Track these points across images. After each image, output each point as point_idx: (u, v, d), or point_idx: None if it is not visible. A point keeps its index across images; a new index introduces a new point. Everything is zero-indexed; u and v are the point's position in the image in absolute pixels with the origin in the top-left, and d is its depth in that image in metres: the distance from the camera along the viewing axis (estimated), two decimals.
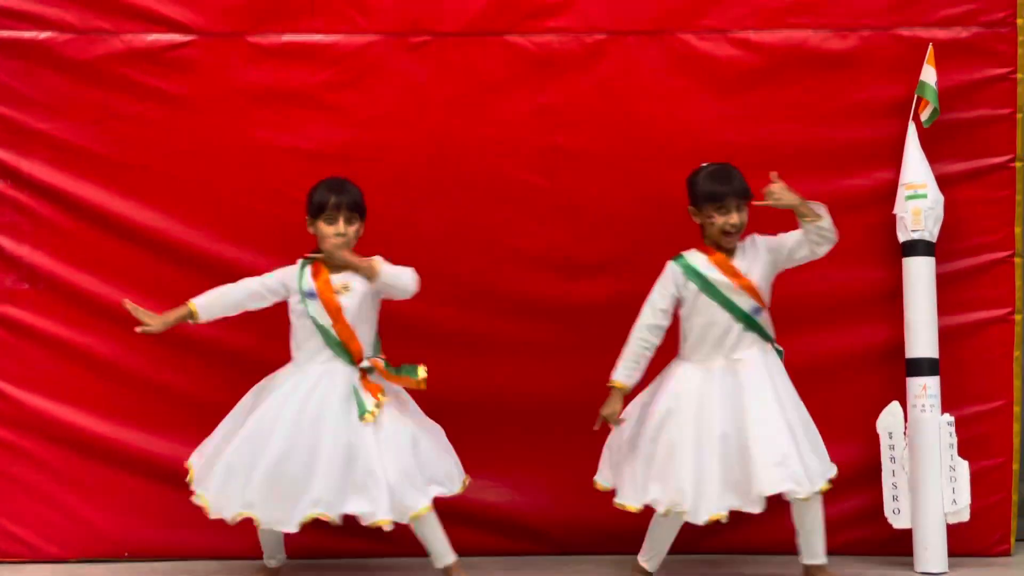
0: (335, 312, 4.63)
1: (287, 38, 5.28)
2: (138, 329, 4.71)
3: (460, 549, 5.05)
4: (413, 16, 5.28)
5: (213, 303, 4.76)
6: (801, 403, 4.69)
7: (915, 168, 5.13)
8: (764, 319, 4.72)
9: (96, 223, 5.27)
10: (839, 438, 5.12)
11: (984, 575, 4.97)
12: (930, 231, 5.10)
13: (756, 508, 4.55)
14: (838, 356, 5.29)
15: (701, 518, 4.55)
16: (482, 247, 5.25)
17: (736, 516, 5.04)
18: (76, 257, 5.28)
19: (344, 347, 4.64)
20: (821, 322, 5.27)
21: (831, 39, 5.27)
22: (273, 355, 5.12)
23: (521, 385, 5.31)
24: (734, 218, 4.65)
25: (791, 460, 4.50)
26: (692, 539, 5.18)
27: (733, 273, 4.67)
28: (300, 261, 4.76)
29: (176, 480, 5.20)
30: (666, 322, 4.75)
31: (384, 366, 4.68)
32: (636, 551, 4.93)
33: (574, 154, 5.26)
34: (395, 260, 5.08)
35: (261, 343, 5.16)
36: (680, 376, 4.71)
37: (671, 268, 4.74)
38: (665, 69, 5.28)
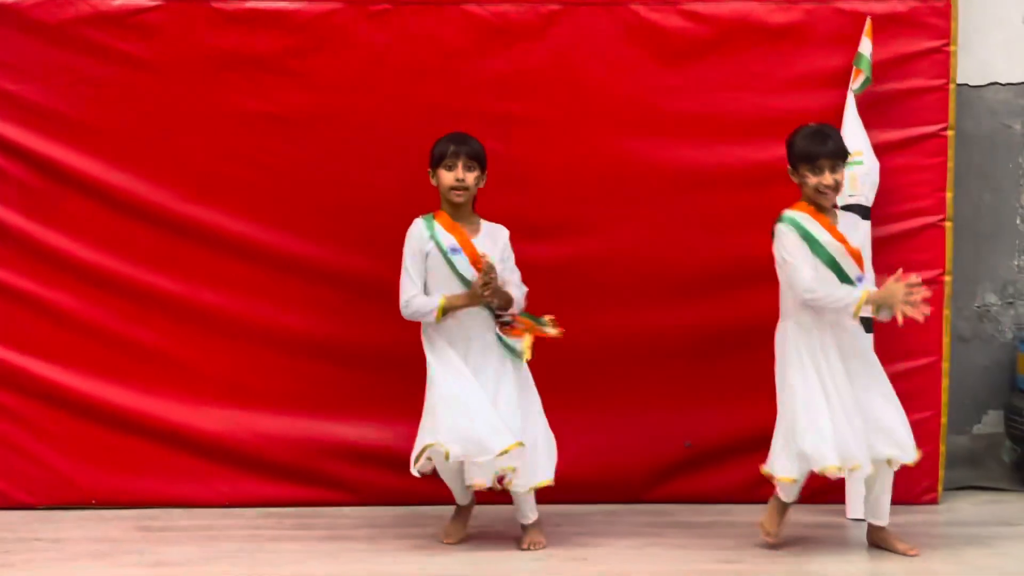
0: (479, 263, 4.73)
1: (251, 4, 5.41)
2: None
3: (419, 498, 5.32)
4: None
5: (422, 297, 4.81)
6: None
7: (853, 135, 5.31)
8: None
9: (65, 183, 5.40)
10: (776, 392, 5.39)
11: (911, 521, 5.22)
12: (866, 196, 5.32)
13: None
14: (777, 313, 5.48)
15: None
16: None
17: (676, 467, 5.35)
18: (45, 215, 5.41)
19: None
20: (762, 281, 5.35)
21: (775, 12, 5.46)
22: (239, 312, 5.33)
23: None
24: (827, 178, 4.67)
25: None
26: (637, 490, 5.45)
27: (841, 238, 4.70)
28: (422, 220, 4.83)
29: (141, 430, 5.45)
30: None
31: (520, 315, 4.83)
32: (584, 500, 5.13)
33: (529, 120, 5.43)
34: (350, 224, 5.35)
35: (227, 300, 5.34)
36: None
37: (782, 227, 4.71)
38: (616, 39, 5.45)
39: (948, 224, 5.52)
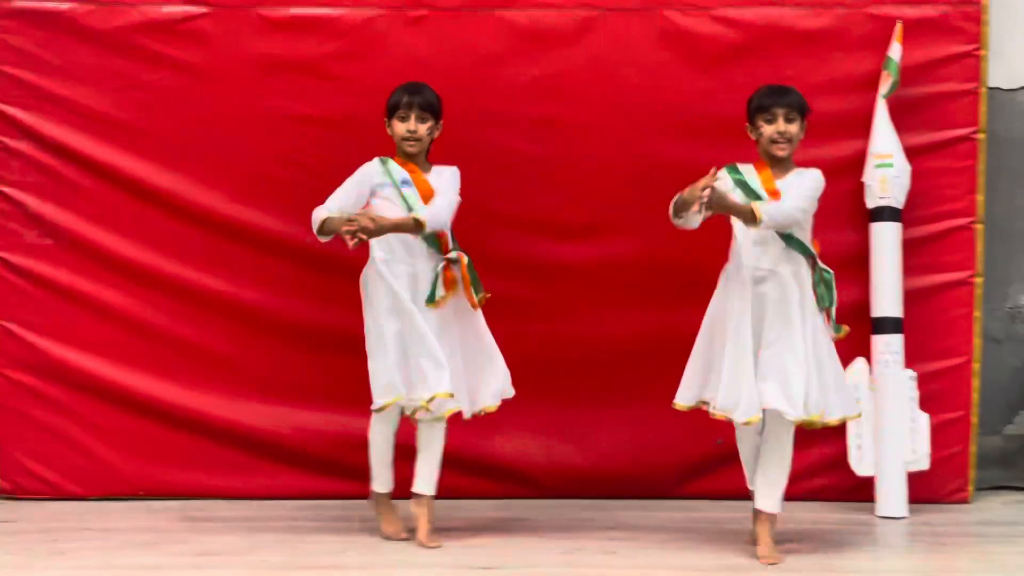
0: (430, 197, 4.78)
1: (295, 11, 5.54)
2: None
3: (453, 492, 5.42)
4: None
5: (322, 209, 4.82)
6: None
7: (883, 139, 5.40)
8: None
9: (115, 184, 5.56)
10: None
11: (941, 520, 5.29)
12: (896, 198, 5.39)
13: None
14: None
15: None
16: (477, 211, 5.46)
17: (707, 463, 5.43)
18: (95, 215, 5.57)
19: (435, 235, 4.80)
20: None
21: (807, 16, 5.53)
22: (282, 310, 5.46)
23: (513, 342, 5.57)
24: (780, 126, 4.63)
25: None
26: (669, 485, 5.55)
27: (772, 190, 4.64)
28: (377, 159, 4.90)
29: (187, 424, 5.59)
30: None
31: (467, 263, 4.86)
32: (613, 495, 5.24)
33: (564, 124, 5.52)
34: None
35: (270, 298, 5.48)
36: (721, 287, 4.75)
37: (723, 173, 4.68)
38: (651, 44, 5.54)
39: (979, 226, 5.56)
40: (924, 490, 5.46)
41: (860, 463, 5.42)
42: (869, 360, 5.42)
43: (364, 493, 5.55)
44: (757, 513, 4.71)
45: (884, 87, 5.41)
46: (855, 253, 5.51)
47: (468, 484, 5.59)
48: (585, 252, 5.52)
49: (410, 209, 4.76)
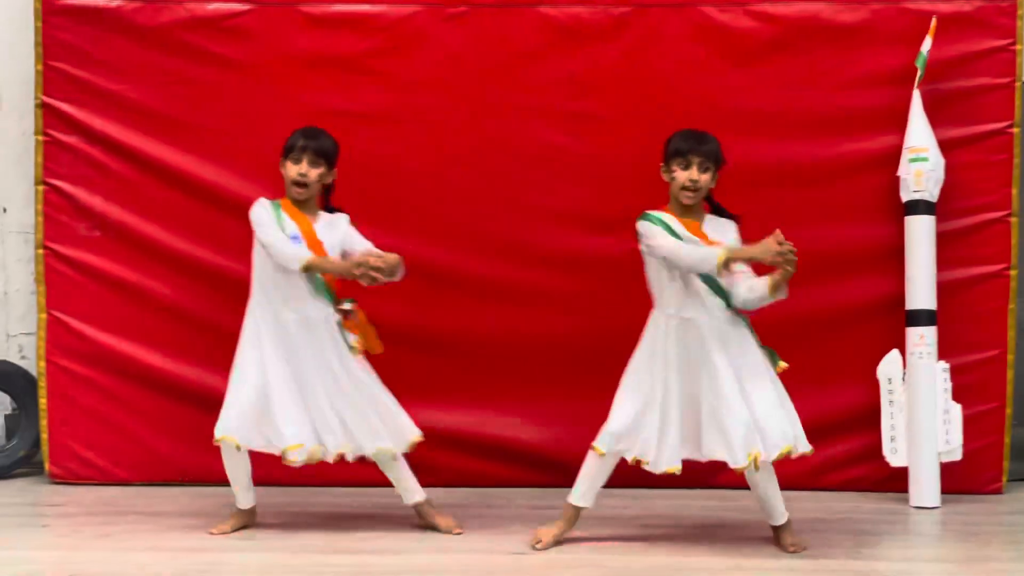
0: (319, 250, 4.73)
1: (336, 8, 5.65)
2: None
3: (491, 480, 5.52)
4: None
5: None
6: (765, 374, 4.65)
7: (918, 133, 5.44)
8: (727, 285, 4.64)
9: (161, 177, 5.68)
10: (843, 383, 5.57)
11: (974, 510, 5.34)
12: (931, 192, 5.43)
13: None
14: (843, 307, 5.63)
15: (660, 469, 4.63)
16: (512, 203, 5.60)
17: None
18: (143, 208, 5.70)
19: (328, 287, 4.79)
20: (828, 275, 5.60)
21: (842, 11, 5.58)
22: None
23: (547, 331, 5.66)
24: (694, 173, 4.56)
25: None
26: (704, 475, 5.60)
27: (702, 235, 4.60)
28: (268, 202, 4.82)
29: None
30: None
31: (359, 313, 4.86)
32: (648, 485, 5.29)
33: (600, 118, 5.59)
34: (432, 217, 5.47)
35: None
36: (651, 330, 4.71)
37: (644, 223, 4.64)
38: (686, 39, 5.60)
39: (1013, 219, 5.59)
40: (958, 481, 5.51)
41: (894, 454, 5.47)
42: (903, 352, 5.46)
43: None
44: (776, 528, 4.76)
45: (916, 80, 5.46)
46: (890, 247, 5.57)
47: (504, 473, 5.68)
48: (620, 245, 5.54)
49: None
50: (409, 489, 4.99)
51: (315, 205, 4.89)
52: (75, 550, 4.68)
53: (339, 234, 4.86)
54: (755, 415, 4.54)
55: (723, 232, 4.65)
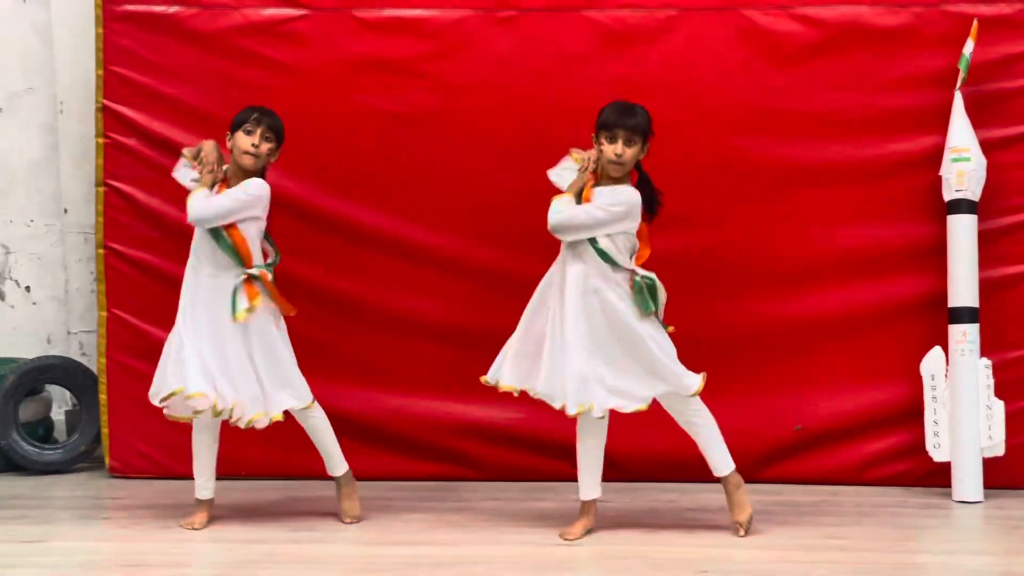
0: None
1: (388, 13, 5.77)
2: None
3: (539, 474, 5.61)
4: None
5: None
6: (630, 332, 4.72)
7: (960, 133, 5.50)
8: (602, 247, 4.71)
9: None
10: (886, 379, 5.64)
11: (1017, 505, 5.40)
12: (973, 191, 5.48)
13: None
14: (887, 304, 5.69)
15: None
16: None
17: (786, 449, 5.56)
18: None
19: (235, 251, 4.89)
20: (872, 273, 5.67)
21: (884, 14, 5.65)
22: (373, 299, 5.66)
23: None
24: (619, 147, 4.67)
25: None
26: (749, 470, 5.68)
27: (587, 198, 4.72)
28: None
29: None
30: None
31: (271, 279, 4.96)
32: (692, 479, 5.37)
33: None
34: (479, 216, 5.62)
35: (362, 288, 5.72)
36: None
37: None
38: (730, 42, 5.69)
39: None
40: (1000, 476, 5.55)
41: (937, 449, 5.53)
42: (945, 349, 5.52)
43: (457, 475, 5.77)
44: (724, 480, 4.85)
45: (958, 82, 5.52)
46: (932, 245, 5.62)
47: (553, 466, 5.77)
48: (667, 243, 5.58)
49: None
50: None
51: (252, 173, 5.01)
52: (136, 541, 4.83)
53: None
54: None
55: (611, 195, 4.74)
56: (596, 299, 4.71)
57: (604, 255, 4.71)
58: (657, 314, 4.78)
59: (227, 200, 4.88)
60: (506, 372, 4.87)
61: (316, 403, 5.08)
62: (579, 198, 4.76)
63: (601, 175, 4.81)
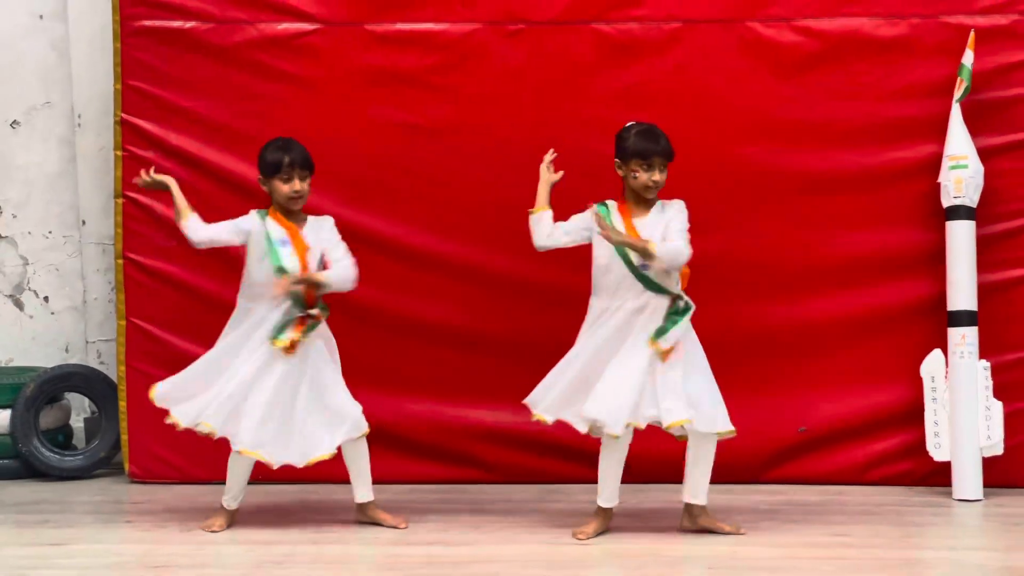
0: (305, 253, 5.03)
1: (400, 26, 5.87)
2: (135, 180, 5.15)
3: (551, 476, 5.73)
4: (510, 6, 5.84)
5: (201, 224, 5.13)
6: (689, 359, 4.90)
7: (958, 141, 5.61)
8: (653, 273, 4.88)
9: (233, 189, 5.90)
10: (887, 381, 5.76)
11: (1016, 503, 5.52)
12: (971, 197, 5.59)
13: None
14: (887, 308, 5.80)
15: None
16: (571, 212, 5.77)
17: (791, 450, 5.68)
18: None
19: (301, 295, 5.02)
20: (873, 278, 5.78)
21: (883, 26, 5.76)
22: (388, 304, 5.77)
23: None
24: (656, 175, 4.88)
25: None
26: (755, 470, 5.81)
27: (633, 231, 4.88)
28: (256, 213, 5.13)
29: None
30: (562, 235, 5.07)
31: (323, 318, 5.11)
32: (737, 481, 5.47)
33: None
34: (491, 224, 5.69)
35: (377, 294, 5.79)
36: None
37: (593, 209, 4.98)
38: (734, 53, 5.79)
39: None
40: (999, 475, 5.67)
41: (938, 449, 5.64)
42: (945, 351, 5.64)
43: (471, 477, 5.86)
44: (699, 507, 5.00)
45: (958, 92, 5.62)
46: (932, 250, 5.74)
47: (565, 469, 5.87)
48: None
49: (282, 267, 5.00)
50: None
51: (300, 211, 5.16)
52: (159, 544, 4.94)
53: (323, 236, 5.13)
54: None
55: (659, 220, 4.92)
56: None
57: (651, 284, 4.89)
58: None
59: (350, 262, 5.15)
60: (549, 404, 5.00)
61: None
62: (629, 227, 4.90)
63: (631, 201, 4.95)
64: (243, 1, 5.89)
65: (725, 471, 5.74)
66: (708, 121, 5.75)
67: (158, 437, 5.94)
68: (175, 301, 5.97)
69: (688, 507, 5.01)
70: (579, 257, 5.70)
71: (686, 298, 4.92)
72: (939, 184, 5.67)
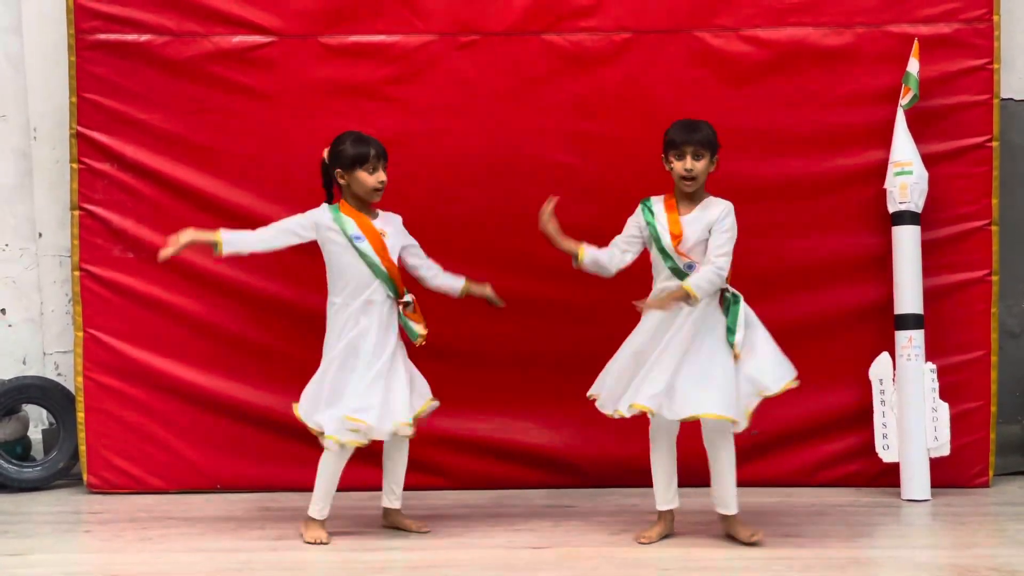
0: (382, 251, 5.07)
1: (354, 39, 5.93)
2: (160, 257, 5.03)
3: (507, 482, 5.78)
4: (463, 18, 5.90)
5: (239, 239, 5.07)
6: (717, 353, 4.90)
7: (903, 148, 5.72)
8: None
9: (190, 200, 5.95)
10: (836, 384, 5.86)
11: (962, 502, 5.63)
12: (916, 203, 5.71)
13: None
14: (836, 312, 5.90)
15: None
16: (522, 220, 5.70)
17: (743, 453, 5.75)
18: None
19: (391, 280, 5.09)
20: (821, 282, 5.89)
21: (829, 35, 5.86)
22: None
23: (556, 339, 5.92)
24: (689, 163, 4.87)
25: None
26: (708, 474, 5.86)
27: (676, 234, 4.92)
28: (328, 208, 5.10)
29: (261, 422, 5.94)
30: (626, 256, 5.07)
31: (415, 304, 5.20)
32: (690, 484, 5.48)
33: (603, 138, 5.86)
34: (446, 232, 5.74)
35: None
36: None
37: (638, 208, 5.04)
38: (683, 63, 5.88)
39: (994, 228, 5.85)
40: (947, 475, 5.78)
41: (886, 450, 5.74)
42: (892, 354, 5.74)
43: (427, 483, 5.91)
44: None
45: (904, 99, 5.72)
46: (878, 255, 5.85)
47: (521, 475, 5.95)
48: None
49: (366, 260, 5.04)
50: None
51: (371, 204, 5.19)
52: (117, 552, 4.97)
53: (398, 231, 5.18)
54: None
55: (702, 218, 4.94)
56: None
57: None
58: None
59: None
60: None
61: None
62: (654, 230, 4.98)
63: (677, 196, 4.99)
64: (198, 14, 5.93)
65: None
66: (658, 130, 5.64)
67: (115, 448, 6.00)
68: (132, 312, 6.00)
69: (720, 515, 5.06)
70: (536, 265, 5.79)
71: (731, 289, 4.96)
72: (885, 190, 5.77)
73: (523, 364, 5.95)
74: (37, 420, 6.55)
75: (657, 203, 5.03)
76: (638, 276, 5.70)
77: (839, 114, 5.86)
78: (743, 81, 5.88)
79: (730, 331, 4.90)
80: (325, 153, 5.15)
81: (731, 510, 5.01)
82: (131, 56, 5.94)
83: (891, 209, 5.76)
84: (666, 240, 4.93)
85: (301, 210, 5.81)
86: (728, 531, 5.03)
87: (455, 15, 5.92)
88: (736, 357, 4.90)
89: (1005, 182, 5.93)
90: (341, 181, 5.10)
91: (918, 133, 5.76)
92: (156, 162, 5.96)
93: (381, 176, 5.07)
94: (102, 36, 5.95)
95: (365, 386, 5.00)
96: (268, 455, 5.95)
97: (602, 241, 5.72)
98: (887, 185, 5.76)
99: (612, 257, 5.07)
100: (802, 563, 4.65)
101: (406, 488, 5.83)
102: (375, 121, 5.85)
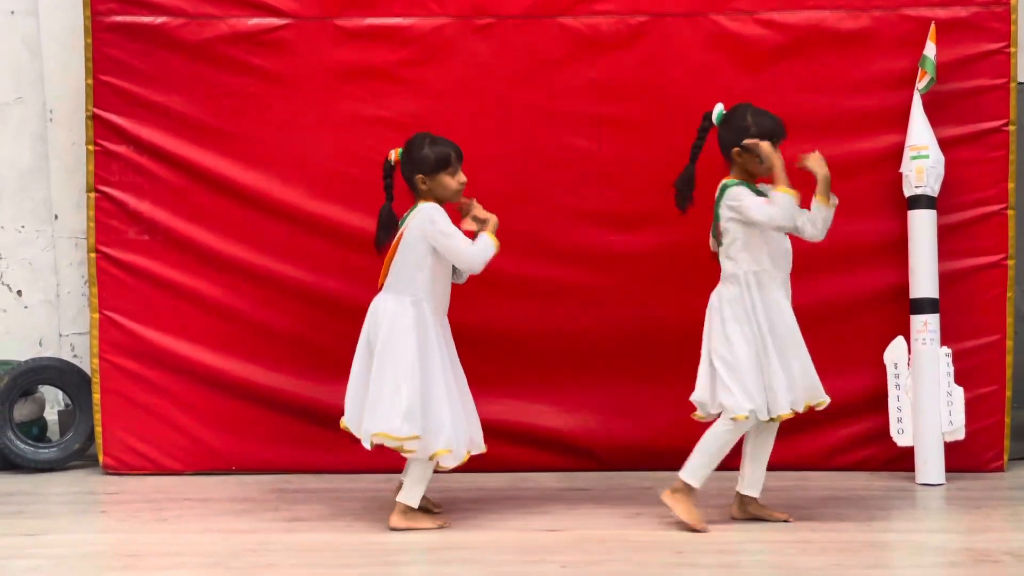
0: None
1: (369, 21, 5.93)
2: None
3: (522, 465, 5.79)
4: (479, 1, 5.90)
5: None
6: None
7: (919, 132, 5.71)
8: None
9: (205, 183, 5.98)
10: (851, 368, 5.83)
11: (977, 486, 5.62)
12: (932, 187, 5.70)
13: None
14: (851, 297, 5.90)
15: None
16: (538, 203, 5.84)
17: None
18: (188, 212, 5.99)
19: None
20: (837, 267, 5.87)
21: (845, 19, 5.84)
22: (359, 298, 5.82)
23: (571, 323, 5.92)
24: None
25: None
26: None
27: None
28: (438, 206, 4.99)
29: (276, 404, 5.96)
30: None
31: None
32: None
33: (619, 122, 5.86)
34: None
35: (348, 287, 5.84)
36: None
37: (740, 189, 4.98)
38: (699, 46, 5.87)
39: (1011, 212, 5.83)
40: (961, 459, 5.78)
41: (901, 435, 5.74)
42: (908, 338, 5.74)
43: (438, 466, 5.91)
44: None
45: (921, 83, 5.71)
46: (894, 239, 5.84)
47: (535, 458, 5.96)
48: (640, 241, 5.84)
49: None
50: None
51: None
52: (133, 532, 5.00)
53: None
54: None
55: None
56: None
57: None
58: None
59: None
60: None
61: None
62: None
63: (742, 175, 5.03)
64: None
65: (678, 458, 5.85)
66: (672, 113, 5.79)
67: (131, 429, 6.02)
68: (147, 294, 6.01)
69: (741, 497, 5.08)
70: (552, 249, 5.78)
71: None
72: (901, 174, 5.76)
73: (538, 348, 5.95)
74: (53, 401, 6.59)
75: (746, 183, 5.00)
76: (654, 260, 5.74)
77: (855, 98, 5.85)
78: (759, 65, 5.87)
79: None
80: (393, 155, 5.07)
81: (759, 492, 5.05)
82: (147, 38, 5.95)
83: (907, 193, 5.75)
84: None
85: (313, 192, 5.88)
86: (755, 513, 5.04)
87: None
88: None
89: (1022, 166, 5.91)
90: (423, 186, 5.00)
91: (935, 117, 5.75)
92: (172, 144, 5.97)
93: (462, 177, 5.02)
94: (118, 18, 5.95)
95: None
96: (283, 437, 5.97)
97: (623, 224, 5.75)
98: (903, 169, 5.75)
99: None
100: (817, 546, 4.65)
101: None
102: (390, 104, 5.90)
